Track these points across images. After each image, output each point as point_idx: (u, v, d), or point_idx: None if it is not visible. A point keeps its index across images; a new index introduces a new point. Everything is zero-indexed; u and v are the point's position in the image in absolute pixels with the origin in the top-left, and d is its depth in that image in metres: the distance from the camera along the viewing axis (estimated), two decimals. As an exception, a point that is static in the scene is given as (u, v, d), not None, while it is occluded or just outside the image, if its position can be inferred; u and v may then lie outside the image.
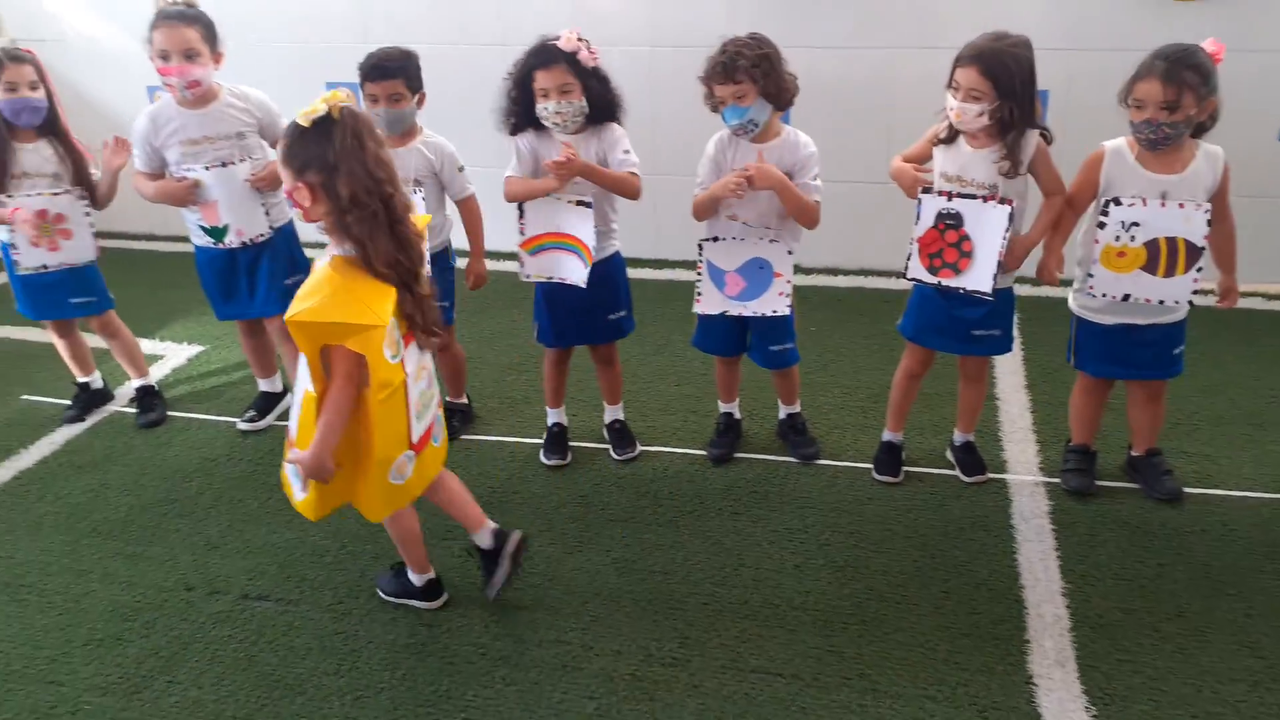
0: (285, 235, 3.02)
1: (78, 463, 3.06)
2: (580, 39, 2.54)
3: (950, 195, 2.48)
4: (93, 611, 2.42)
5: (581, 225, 2.63)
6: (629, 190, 2.65)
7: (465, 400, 3.22)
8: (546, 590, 2.45)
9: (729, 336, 2.82)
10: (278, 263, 3.00)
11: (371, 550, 2.61)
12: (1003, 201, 2.43)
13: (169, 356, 3.69)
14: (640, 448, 3.00)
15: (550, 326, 2.86)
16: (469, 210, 2.91)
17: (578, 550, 2.59)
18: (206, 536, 2.69)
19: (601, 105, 2.61)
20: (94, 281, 3.14)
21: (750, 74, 2.44)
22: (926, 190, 2.51)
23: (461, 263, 3.01)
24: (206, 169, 2.81)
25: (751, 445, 3.01)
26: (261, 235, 2.93)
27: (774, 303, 2.64)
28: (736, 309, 2.68)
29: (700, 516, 2.70)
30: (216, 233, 2.91)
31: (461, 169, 2.87)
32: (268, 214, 2.94)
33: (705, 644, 2.26)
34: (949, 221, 2.49)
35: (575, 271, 2.67)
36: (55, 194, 2.95)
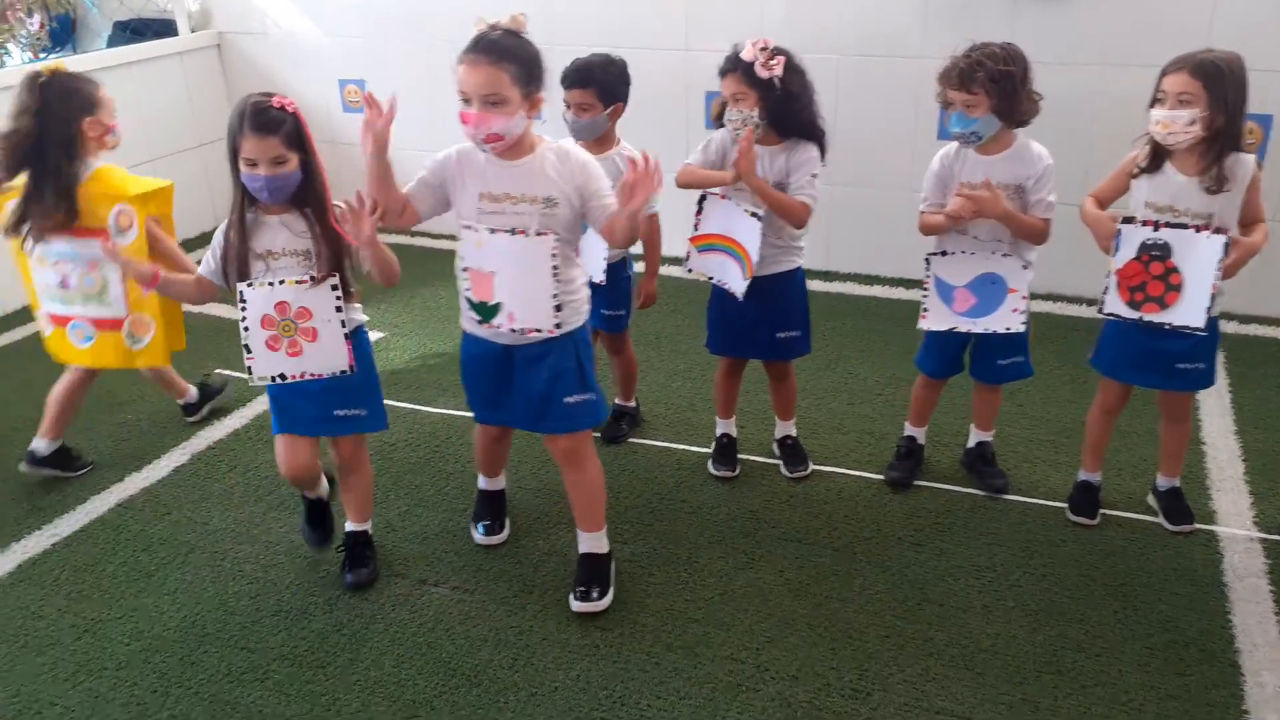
0: (577, 342, 2.32)
1: (266, 438, 3.17)
2: (763, 49, 2.47)
3: (1157, 225, 2.32)
4: (280, 583, 2.51)
5: (749, 236, 2.56)
6: (793, 217, 2.56)
7: (634, 404, 3.20)
8: (718, 605, 2.40)
9: (954, 355, 2.71)
10: (563, 373, 2.29)
11: (544, 546, 2.62)
12: (1217, 231, 2.27)
13: (350, 340, 3.81)
14: (812, 466, 2.92)
15: (718, 334, 2.81)
16: (650, 228, 2.84)
17: (748, 567, 2.53)
18: (386, 519, 2.75)
19: (782, 120, 2.52)
20: (360, 390, 2.38)
21: (986, 87, 2.34)
22: (1128, 220, 2.36)
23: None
24: (491, 232, 2.18)
25: (932, 473, 2.89)
26: (538, 331, 2.22)
27: (1007, 319, 2.52)
28: (966, 325, 2.57)
29: (879, 544, 2.60)
30: (485, 310, 2.24)
31: None
32: (558, 309, 2.21)
33: (887, 679, 2.17)
34: (1154, 253, 2.33)
35: (735, 280, 2.61)
36: (299, 282, 2.22)
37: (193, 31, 5.02)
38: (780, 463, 2.94)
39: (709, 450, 2.99)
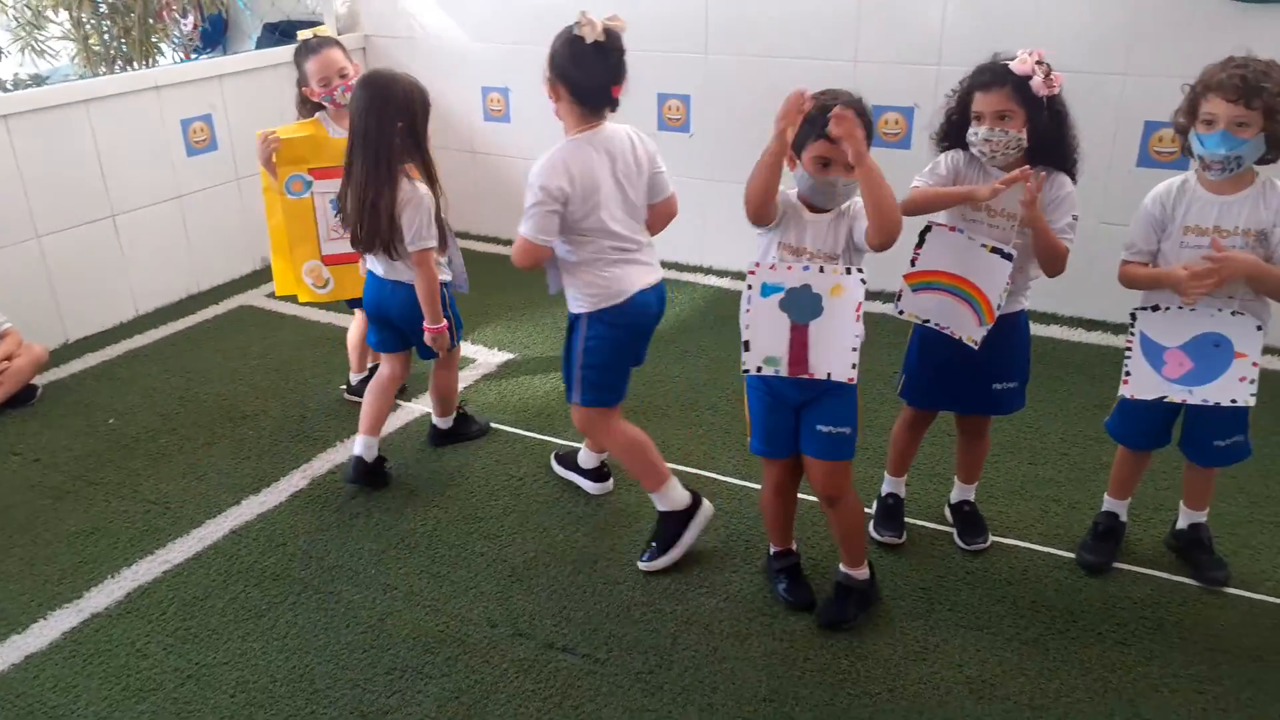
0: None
1: (389, 465, 2.98)
2: (1041, 62, 2.12)
3: None
4: (396, 635, 2.29)
5: (991, 278, 2.19)
6: (1056, 264, 2.20)
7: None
8: (887, 705, 2.07)
9: (1158, 426, 2.32)
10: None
11: (683, 611, 2.33)
12: None
13: (479, 361, 3.62)
14: (991, 538, 2.55)
15: (919, 383, 2.45)
16: None
17: (921, 659, 2.19)
18: (511, 565, 2.51)
19: (1047, 146, 2.17)
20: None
21: (1271, 103, 1.97)
22: None
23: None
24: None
25: (1134, 554, 2.49)
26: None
27: (1233, 389, 2.13)
28: (1179, 394, 2.18)
29: (1074, 639, 2.22)
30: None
31: None
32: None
33: (1098, 819, 1.80)
34: None
35: (967, 327, 2.25)
36: None
37: (339, 34, 4.94)
38: (954, 531, 2.58)
39: (869, 510, 2.65)
